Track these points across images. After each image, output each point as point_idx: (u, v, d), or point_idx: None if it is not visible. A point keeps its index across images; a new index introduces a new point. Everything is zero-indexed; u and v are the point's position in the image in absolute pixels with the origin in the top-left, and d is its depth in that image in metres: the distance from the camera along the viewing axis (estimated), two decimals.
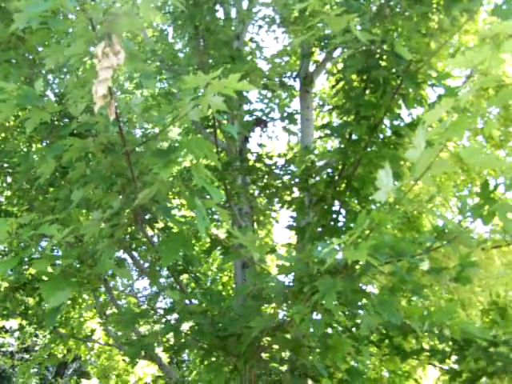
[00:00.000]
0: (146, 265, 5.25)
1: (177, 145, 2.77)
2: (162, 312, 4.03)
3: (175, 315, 3.86)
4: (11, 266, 2.67)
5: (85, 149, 3.05)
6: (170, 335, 3.91)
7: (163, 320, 3.92)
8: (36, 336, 11.58)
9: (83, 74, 3.28)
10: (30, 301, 6.85)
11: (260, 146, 6.80)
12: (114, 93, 2.62)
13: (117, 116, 2.73)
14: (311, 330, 3.17)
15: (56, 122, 4.26)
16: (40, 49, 4.03)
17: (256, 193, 6.20)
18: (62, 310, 2.86)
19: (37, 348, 11.21)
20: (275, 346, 3.63)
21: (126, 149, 2.87)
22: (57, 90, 4.60)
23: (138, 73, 2.96)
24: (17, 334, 11.50)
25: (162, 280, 5.22)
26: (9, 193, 6.29)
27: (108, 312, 7.05)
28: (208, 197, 2.95)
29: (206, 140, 2.88)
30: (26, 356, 11.54)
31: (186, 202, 2.73)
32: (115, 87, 2.90)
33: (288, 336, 3.63)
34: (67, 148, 2.97)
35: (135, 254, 5.27)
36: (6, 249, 7.16)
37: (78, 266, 3.77)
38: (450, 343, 4.17)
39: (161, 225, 3.79)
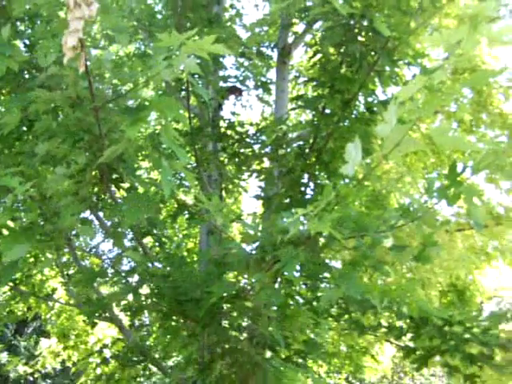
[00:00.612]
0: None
1: (146, 103, 2.72)
2: (123, 274, 4.00)
3: (136, 277, 3.84)
4: None
5: (52, 101, 2.97)
6: (130, 297, 3.89)
7: (124, 281, 3.89)
8: None
9: (54, 25, 3.19)
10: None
11: (233, 114, 6.75)
12: (84, 45, 2.55)
13: (86, 70, 2.66)
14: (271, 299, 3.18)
15: (26, 74, 4.16)
16: None
17: (226, 161, 6.17)
18: (20, 265, 2.82)
19: None
20: (234, 314, 3.64)
21: (94, 104, 2.81)
22: (28, 42, 4.48)
23: (112, 28, 2.88)
24: None
25: (126, 242, 5.18)
26: None
27: (70, 272, 6.99)
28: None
29: (178, 102, 2.84)
30: None
31: (152, 162, 2.69)
32: (88, 41, 2.83)
33: (248, 304, 3.64)
34: (34, 99, 2.89)
35: (101, 214, 5.21)
36: None
37: (40, 222, 3.72)
38: (407, 321, 4.24)
39: (127, 185, 3.74)
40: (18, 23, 4.34)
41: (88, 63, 2.66)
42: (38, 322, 14.41)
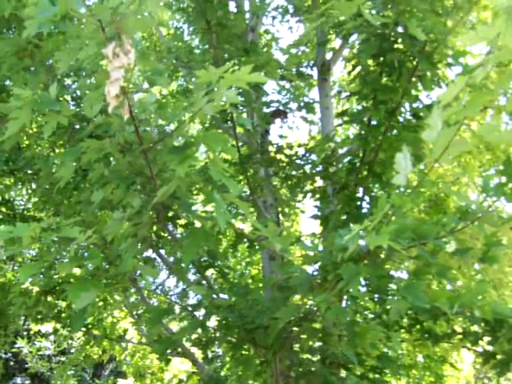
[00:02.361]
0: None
1: (193, 140, 2.77)
2: (190, 308, 4.05)
3: (203, 311, 3.87)
4: (35, 271, 2.70)
5: (102, 150, 3.06)
6: (199, 330, 3.93)
7: (191, 316, 3.93)
8: (71, 339, 11.72)
9: (97, 76, 3.30)
10: (63, 304, 6.93)
11: (281, 137, 6.79)
12: (126, 92, 2.63)
13: (131, 115, 2.74)
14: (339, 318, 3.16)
15: (77, 126, 4.31)
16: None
17: (279, 185, 6.20)
18: (89, 311, 2.89)
19: (73, 350, 11.37)
20: (304, 336, 3.62)
21: (142, 147, 2.88)
22: (74, 95, 4.65)
23: (150, 72, 2.96)
24: (52, 337, 11.66)
25: (190, 277, 5.24)
26: (36, 199, 6.37)
27: (139, 312, 7.11)
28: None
29: (224, 134, 2.89)
30: (63, 359, 11.69)
31: (205, 196, 2.73)
32: (131, 87, 2.91)
33: (316, 325, 3.62)
34: (85, 150, 2.99)
35: (163, 252, 5.30)
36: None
37: (105, 266, 3.81)
38: (482, 325, 4.12)
39: (183, 221, 3.80)
40: (65, 78, 4.52)
41: (132, 109, 2.74)
42: (114, 363, 14.63)
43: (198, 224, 3.33)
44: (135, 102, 3.07)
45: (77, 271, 3.91)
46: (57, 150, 5.28)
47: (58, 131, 3.87)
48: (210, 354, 9.42)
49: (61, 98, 2.96)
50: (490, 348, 4.26)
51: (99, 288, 2.62)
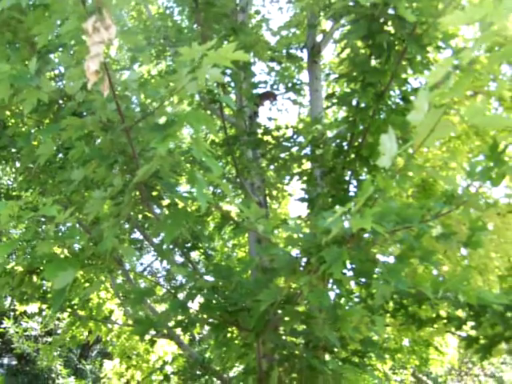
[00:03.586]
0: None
1: (175, 119, 2.71)
2: (173, 290, 4.01)
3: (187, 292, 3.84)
4: (8, 250, 2.65)
5: (83, 128, 3.01)
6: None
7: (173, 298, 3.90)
8: (58, 319, 11.70)
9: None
10: (48, 284, 6.88)
11: (270, 119, 6.74)
12: (108, 68, 2.57)
13: (113, 92, 2.68)
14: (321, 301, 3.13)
15: (62, 103, 4.23)
16: None
17: (266, 167, 6.15)
18: (70, 291, 2.85)
19: (59, 331, 11.32)
20: (287, 319, 3.60)
21: (124, 125, 2.83)
22: (58, 71, 4.57)
23: (132, 48, 2.89)
24: (39, 318, 11.62)
25: (177, 258, 5.21)
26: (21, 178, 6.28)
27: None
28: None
29: (207, 114, 2.84)
30: (50, 339, 11.65)
31: (187, 176, 2.68)
32: (115, 65, 2.85)
33: (300, 308, 3.60)
34: (65, 127, 2.93)
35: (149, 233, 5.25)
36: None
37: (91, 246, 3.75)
38: (466, 309, 4.12)
39: (167, 201, 3.75)
40: (52, 55, 4.43)
41: (113, 86, 2.68)
42: (102, 344, 14.64)
43: (181, 205, 3.29)
44: (117, 79, 3.01)
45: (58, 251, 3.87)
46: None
47: (41, 108, 3.79)
48: (196, 337, 9.43)
49: (40, 74, 2.87)
50: (473, 333, 4.27)
51: (77, 267, 2.57)
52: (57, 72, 4.30)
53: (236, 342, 3.85)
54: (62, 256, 3.59)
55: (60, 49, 3.89)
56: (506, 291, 4.24)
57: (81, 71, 2.85)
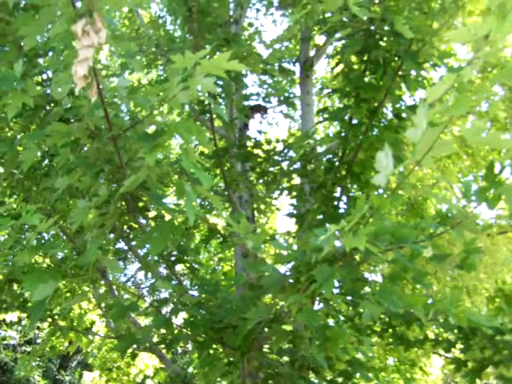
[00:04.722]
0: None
1: (165, 128, 2.63)
2: (157, 304, 3.90)
3: (170, 307, 3.73)
4: None
5: (69, 134, 2.90)
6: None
7: (157, 312, 3.79)
8: (38, 329, 11.51)
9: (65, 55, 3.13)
10: (28, 293, 6.73)
11: (260, 132, 6.67)
12: (96, 74, 2.48)
13: (101, 98, 2.59)
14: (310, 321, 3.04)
15: (49, 109, 4.12)
16: None
17: (255, 181, 6.07)
18: (50, 302, 2.74)
19: (39, 341, 11.14)
20: (273, 338, 3.50)
21: (112, 133, 2.73)
22: (45, 76, 4.46)
23: (123, 53, 2.80)
24: (19, 327, 11.44)
25: (162, 271, 5.09)
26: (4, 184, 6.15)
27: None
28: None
29: (197, 124, 2.75)
30: (29, 349, 11.45)
31: (175, 188, 2.59)
32: (108, 70, 2.76)
33: (286, 327, 3.50)
34: (50, 134, 2.83)
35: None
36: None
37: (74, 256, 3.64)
38: (456, 332, 4.05)
39: (154, 213, 3.66)
40: (40, 60, 4.33)
41: (102, 92, 2.59)
42: (82, 355, 14.42)
43: (167, 217, 3.19)
44: (106, 85, 2.91)
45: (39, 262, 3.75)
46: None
47: (27, 113, 3.68)
48: (179, 350, 9.28)
49: (26, 78, 2.76)
50: (460, 355, 4.20)
51: (58, 279, 2.47)
52: (45, 77, 4.18)
53: (220, 359, 3.74)
54: (44, 265, 3.48)
55: (49, 53, 3.79)
56: (493, 313, 4.18)
57: (68, 76, 2.75)
